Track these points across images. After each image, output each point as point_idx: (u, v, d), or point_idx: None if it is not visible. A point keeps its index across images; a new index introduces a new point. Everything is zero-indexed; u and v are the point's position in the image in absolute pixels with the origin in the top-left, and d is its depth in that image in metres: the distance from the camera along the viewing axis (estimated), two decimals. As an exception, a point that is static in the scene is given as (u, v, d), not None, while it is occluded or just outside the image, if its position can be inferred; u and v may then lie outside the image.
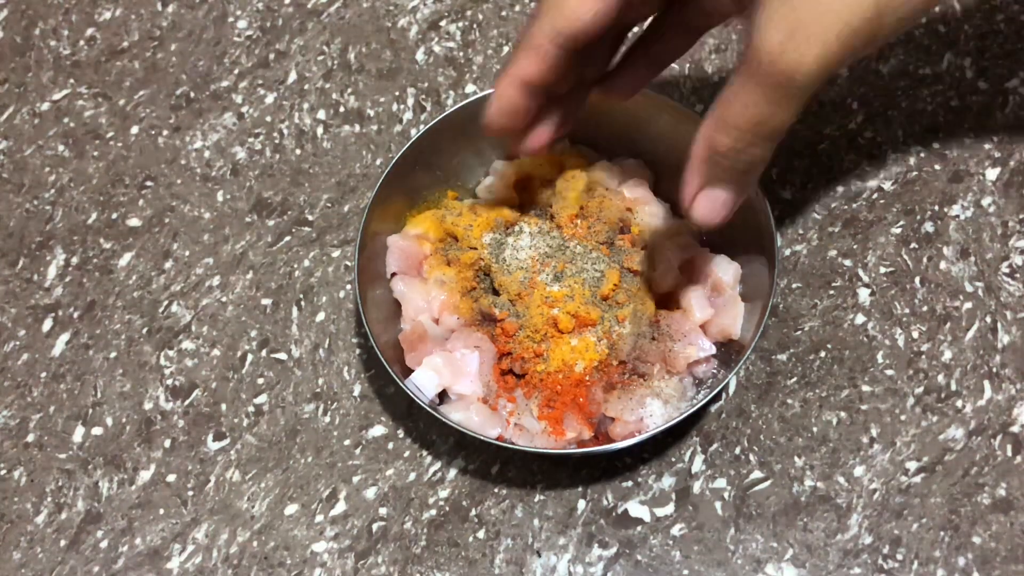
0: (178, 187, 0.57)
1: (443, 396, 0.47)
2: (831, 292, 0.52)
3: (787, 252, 0.53)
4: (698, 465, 0.49)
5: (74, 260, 0.56)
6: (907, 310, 0.51)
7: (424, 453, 0.50)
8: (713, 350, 0.47)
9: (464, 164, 0.52)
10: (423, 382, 0.46)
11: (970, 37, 0.58)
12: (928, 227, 0.53)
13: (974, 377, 0.49)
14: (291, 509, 0.49)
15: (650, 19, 0.45)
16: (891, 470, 0.48)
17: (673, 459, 0.49)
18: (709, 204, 0.39)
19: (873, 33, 0.34)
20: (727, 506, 0.48)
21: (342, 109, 0.59)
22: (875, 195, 0.54)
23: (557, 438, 0.45)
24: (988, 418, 0.49)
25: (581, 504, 0.48)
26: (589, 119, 0.47)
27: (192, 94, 0.60)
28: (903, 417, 0.49)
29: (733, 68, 0.36)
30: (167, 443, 0.51)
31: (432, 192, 0.52)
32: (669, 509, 0.48)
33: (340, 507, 0.49)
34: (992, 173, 0.54)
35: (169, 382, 0.52)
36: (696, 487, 0.48)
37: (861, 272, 0.52)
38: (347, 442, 0.50)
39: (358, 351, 0.52)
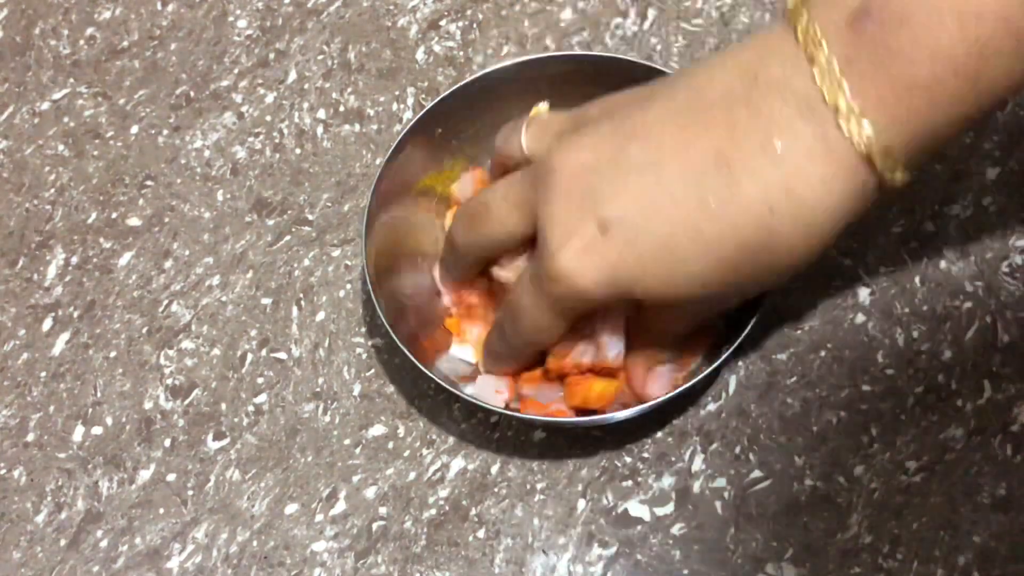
0: (178, 186, 0.57)
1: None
2: (831, 291, 0.52)
3: (787, 251, 0.53)
4: (698, 464, 0.49)
5: (74, 260, 0.56)
6: (907, 309, 0.51)
7: (424, 452, 0.50)
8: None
9: (483, 133, 0.51)
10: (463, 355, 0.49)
11: (970, 36, 0.58)
12: (928, 226, 0.53)
13: (974, 377, 0.49)
14: (291, 509, 0.49)
15: None
16: (891, 469, 0.48)
17: (673, 459, 0.49)
18: (660, 385, 0.46)
19: None
20: (727, 505, 0.48)
21: (342, 108, 0.59)
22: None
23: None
24: (988, 417, 0.49)
25: (581, 503, 0.48)
26: None
27: (192, 93, 0.60)
28: (903, 416, 0.49)
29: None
30: (167, 442, 0.51)
31: (450, 162, 0.52)
32: (669, 508, 0.48)
33: (340, 507, 0.49)
34: (992, 173, 0.54)
35: (169, 381, 0.52)
36: (696, 486, 0.48)
37: (861, 271, 0.52)
38: (347, 441, 0.50)
39: (358, 351, 0.52)
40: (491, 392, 0.47)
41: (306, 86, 0.60)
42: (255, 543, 0.48)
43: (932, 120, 0.35)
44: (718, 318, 0.46)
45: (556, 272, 0.39)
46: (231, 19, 0.62)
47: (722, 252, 0.37)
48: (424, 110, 0.49)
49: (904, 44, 0.34)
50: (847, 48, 0.35)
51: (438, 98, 0.50)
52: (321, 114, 0.59)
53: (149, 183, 0.57)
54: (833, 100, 0.35)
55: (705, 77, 0.39)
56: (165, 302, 0.54)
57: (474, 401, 0.45)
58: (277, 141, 0.58)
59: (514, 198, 0.43)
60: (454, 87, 0.50)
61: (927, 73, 0.34)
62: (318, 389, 0.51)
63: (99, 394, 0.52)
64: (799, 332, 0.51)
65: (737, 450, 0.49)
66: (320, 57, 0.60)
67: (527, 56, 0.52)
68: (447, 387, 0.45)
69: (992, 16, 0.33)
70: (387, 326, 0.45)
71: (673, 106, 0.39)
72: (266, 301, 0.54)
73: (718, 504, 0.48)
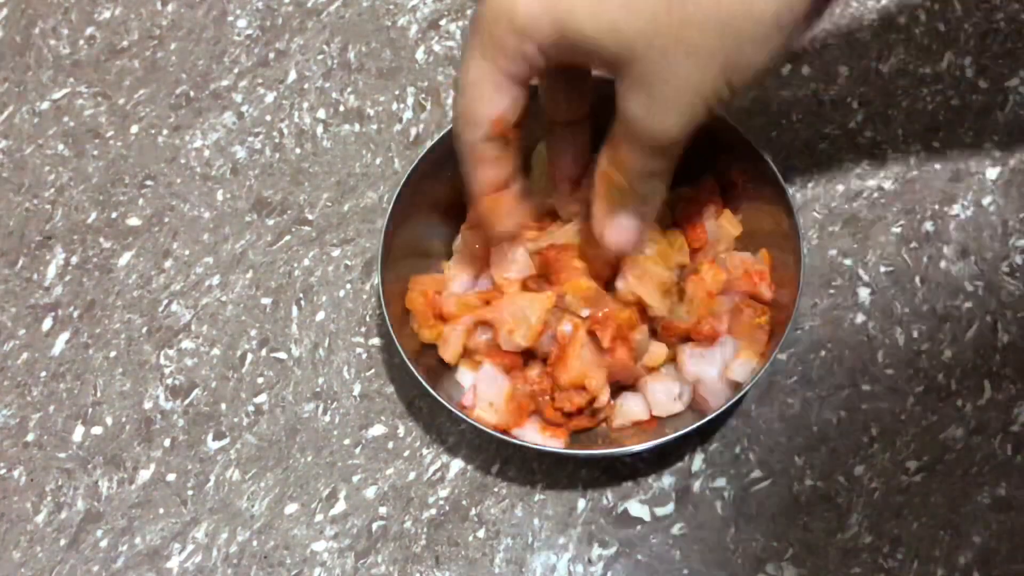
0: (178, 186, 0.57)
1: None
2: (831, 291, 0.52)
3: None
4: (698, 464, 0.49)
5: (74, 259, 0.55)
6: (907, 309, 0.51)
7: (424, 452, 0.50)
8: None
9: (529, 141, 0.50)
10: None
11: (970, 36, 0.58)
12: (928, 226, 0.53)
13: (974, 376, 0.49)
14: (291, 508, 0.49)
15: None
16: (891, 469, 0.48)
17: (673, 458, 0.49)
18: (618, 231, 0.42)
19: (724, 95, 0.37)
20: (727, 505, 0.48)
21: (342, 108, 0.59)
22: (875, 194, 0.54)
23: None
24: (988, 417, 0.49)
25: (581, 503, 0.48)
26: None
27: (192, 93, 0.60)
28: (903, 416, 0.49)
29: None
30: (167, 442, 0.51)
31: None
32: (669, 508, 0.48)
33: (340, 506, 0.49)
34: (992, 172, 0.54)
35: (169, 381, 0.52)
36: (696, 486, 0.48)
37: (861, 271, 0.52)
38: (347, 441, 0.50)
39: (358, 350, 0.52)
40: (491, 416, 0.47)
41: (306, 86, 0.59)
42: (255, 543, 0.48)
43: None
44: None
45: None
46: (231, 19, 0.62)
47: None
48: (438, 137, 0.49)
49: None
50: None
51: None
52: (321, 114, 0.59)
53: (149, 183, 0.57)
54: None
55: None
56: (165, 302, 0.54)
57: (475, 424, 0.45)
58: (277, 141, 0.58)
59: None
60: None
61: None
62: (318, 389, 0.51)
63: (99, 394, 0.52)
64: (799, 332, 0.51)
65: (737, 450, 0.49)
66: (320, 57, 0.60)
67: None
68: (443, 401, 0.44)
69: None
70: (392, 333, 0.45)
71: None
72: (266, 301, 0.54)
73: (718, 504, 0.48)
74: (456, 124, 0.41)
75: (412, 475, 0.49)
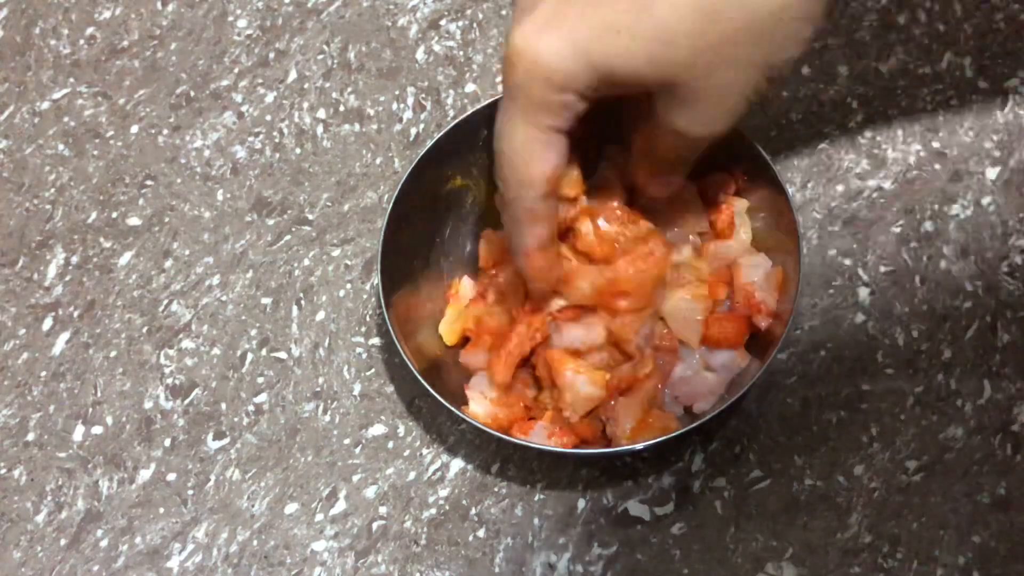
0: (178, 186, 0.57)
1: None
2: (831, 291, 0.52)
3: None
4: (698, 464, 0.49)
5: (74, 259, 0.56)
6: (907, 309, 0.51)
7: (424, 452, 0.50)
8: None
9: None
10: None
11: (970, 36, 0.58)
12: (928, 226, 0.53)
13: (974, 376, 0.49)
14: (291, 508, 0.49)
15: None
16: (891, 469, 0.48)
17: (673, 458, 0.49)
18: (660, 185, 0.45)
19: (764, 88, 0.38)
20: (727, 505, 0.48)
21: (342, 108, 0.59)
22: (875, 194, 0.54)
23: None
24: (988, 417, 0.49)
25: (581, 503, 0.48)
26: None
27: (192, 93, 0.60)
28: (903, 416, 0.49)
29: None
30: (167, 442, 0.51)
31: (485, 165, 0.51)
32: (669, 508, 0.48)
33: (340, 506, 0.49)
34: (992, 172, 0.54)
35: (169, 381, 0.52)
36: (696, 486, 0.48)
37: (861, 271, 0.52)
38: (347, 441, 0.50)
39: (358, 350, 0.52)
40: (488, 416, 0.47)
41: (306, 86, 0.60)
42: (255, 542, 0.48)
43: None
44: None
45: (513, 49, 0.36)
46: (231, 19, 0.62)
47: None
48: (472, 110, 0.49)
49: None
50: None
51: (492, 99, 0.50)
52: (321, 114, 0.59)
53: (149, 183, 0.57)
54: None
55: None
56: (165, 302, 0.54)
57: (475, 424, 0.45)
58: (277, 141, 0.58)
59: None
60: (473, 109, 0.50)
61: None
62: (318, 389, 0.51)
63: (99, 394, 0.52)
64: (799, 332, 0.51)
65: (737, 450, 0.49)
66: (320, 57, 0.60)
67: None
68: (443, 401, 0.44)
69: None
70: (392, 332, 0.45)
71: None
72: (266, 301, 0.54)
73: (718, 504, 0.48)
74: (509, 189, 0.41)
75: (412, 475, 0.49)
